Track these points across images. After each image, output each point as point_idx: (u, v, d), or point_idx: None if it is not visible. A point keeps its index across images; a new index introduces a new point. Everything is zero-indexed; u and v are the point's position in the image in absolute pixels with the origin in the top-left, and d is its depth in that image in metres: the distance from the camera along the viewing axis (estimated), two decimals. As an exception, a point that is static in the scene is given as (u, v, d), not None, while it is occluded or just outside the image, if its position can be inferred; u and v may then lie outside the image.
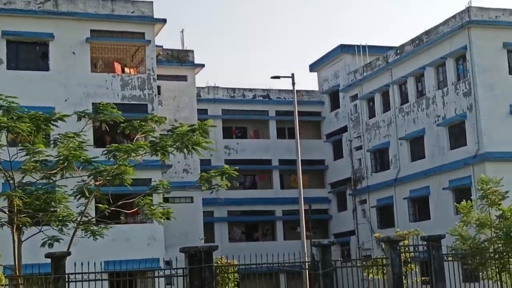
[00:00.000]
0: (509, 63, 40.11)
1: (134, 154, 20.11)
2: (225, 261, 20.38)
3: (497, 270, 22.63)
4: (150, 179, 36.33)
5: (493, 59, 39.75)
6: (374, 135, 48.65)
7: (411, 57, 44.52)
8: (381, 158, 48.30)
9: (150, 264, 32.88)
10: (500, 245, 22.37)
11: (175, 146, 21.99)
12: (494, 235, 22.57)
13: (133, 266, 26.76)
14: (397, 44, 46.74)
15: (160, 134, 22.62)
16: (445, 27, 41.70)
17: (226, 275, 19.36)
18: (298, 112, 55.03)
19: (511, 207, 23.09)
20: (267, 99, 54.04)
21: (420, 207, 44.30)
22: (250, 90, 53.96)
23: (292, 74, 31.05)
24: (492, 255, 21.83)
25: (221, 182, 20.83)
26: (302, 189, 33.52)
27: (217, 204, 51.05)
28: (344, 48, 52.09)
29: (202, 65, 44.57)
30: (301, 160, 54.20)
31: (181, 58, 44.13)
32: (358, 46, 51.15)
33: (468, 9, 40.04)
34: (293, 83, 31.00)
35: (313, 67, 56.12)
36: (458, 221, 39.36)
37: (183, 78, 44.10)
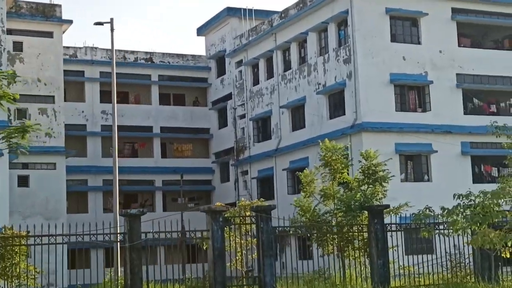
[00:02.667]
0: (391, 30, 38.33)
1: None
2: (14, 231, 17.61)
3: (340, 244, 20.69)
4: (-4, 141, 33.20)
5: (375, 25, 37.87)
6: (257, 103, 46.40)
7: (295, 22, 42.33)
8: (263, 127, 46.14)
9: (-12, 234, 29.79)
10: (341, 217, 20.36)
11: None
12: (336, 207, 20.54)
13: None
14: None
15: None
16: (328, -10, 39.59)
17: (12, 247, 16.60)
18: (184, 77, 52.77)
19: (357, 177, 21.10)
20: (149, 62, 51.06)
21: (299, 179, 42.28)
22: (132, 52, 50.88)
23: (111, 19, 27.87)
24: (329, 228, 19.77)
25: (21, 140, 17.97)
26: (117, 158, 30.68)
27: (91, 172, 48.15)
28: (230, 11, 49.54)
29: (70, 21, 41.21)
30: (186, 128, 52.12)
31: (47, 12, 40.72)
32: (245, 10, 48.69)
33: (350, -29, 37.96)
34: (112, 29, 27.94)
35: (200, 31, 53.42)
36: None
37: (49, 34, 40.74)
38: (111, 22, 27.67)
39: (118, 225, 22.94)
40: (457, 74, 39.32)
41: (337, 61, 38.93)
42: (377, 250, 19.58)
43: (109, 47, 50.68)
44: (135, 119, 50.19)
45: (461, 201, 18.59)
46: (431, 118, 38.25)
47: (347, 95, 38.15)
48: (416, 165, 38.11)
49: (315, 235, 20.15)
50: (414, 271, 22.09)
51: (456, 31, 39.77)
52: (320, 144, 22.90)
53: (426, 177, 38.00)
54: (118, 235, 17.93)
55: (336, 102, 39.32)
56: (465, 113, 39.40)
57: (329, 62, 39.65)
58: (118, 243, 17.80)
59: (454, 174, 37.66)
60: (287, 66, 43.71)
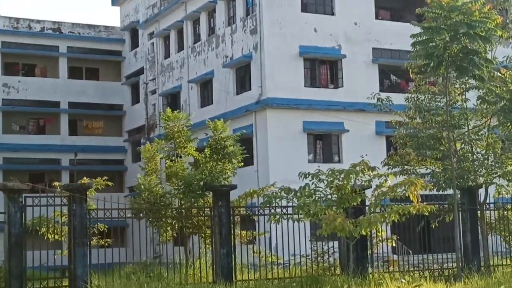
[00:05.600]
0: (302, -1, 35.50)
1: None
2: None
3: (183, 230, 17.85)
4: None
5: (284, -7, 34.95)
6: (168, 78, 43.29)
7: (204, -11, 39.25)
8: (173, 104, 42.86)
9: None
10: (182, 199, 17.49)
11: None
12: (176, 187, 17.66)
13: None
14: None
15: None
16: (236, -45, 36.54)
17: None
18: (96, 50, 49.39)
19: (209, 153, 18.25)
20: (58, 33, 47.58)
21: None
22: (38, 21, 47.34)
23: None
24: (164, 212, 16.88)
25: None
26: None
27: (-12, 149, 44.79)
28: (144, -21, 46.27)
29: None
30: (98, 104, 48.81)
31: None
32: (158, -23, 45.43)
33: None
34: None
35: (115, 0, 50.02)
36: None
37: None
38: None
39: None
40: (373, 49, 36.64)
41: (244, 31, 35.99)
42: (220, 237, 16.76)
43: (13, 15, 47.31)
44: (41, 93, 46.76)
45: (310, 180, 15.91)
46: (343, 95, 35.56)
47: (253, 68, 35.25)
48: (325, 145, 35.45)
49: (150, 219, 17.26)
50: (282, 262, 19.41)
51: (374, 3, 37.06)
52: (162, 115, 20.04)
53: (336, 158, 35.32)
54: None
55: (243, 76, 36.44)
56: (381, 90, 36.42)
57: (236, 32, 36.69)
58: None
59: (367, 156, 34.90)
60: (197, 37, 40.66)
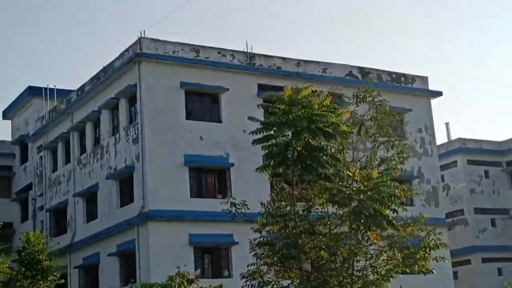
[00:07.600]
0: (187, 106, 34.01)
1: None
2: None
3: None
4: None
5: (168, 100, 33.45)
6: (55, 192, 40.96)
7: (89, 99, 37.66)
8: (60, 220, 40.51)
9: None
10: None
11: None
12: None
13: None
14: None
15: None
16: (119, 62, 35.20)
17: None
18: (-15, 165, 46.85)
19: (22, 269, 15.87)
20: None
21: (93, 278, 36.68)
22: None
23: None
24: None
25: None
26: None
27: None
28: (33, 91, 44.62)
29: None
30: (-16, 222, 45.69)
31: None
32: (46, 89, 43.77)
33: (140, 40, 33.68)
34: None
35: (6, 114, 48.17)
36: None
37: None
38: None
39: None
40: (263, 156, 35.09)
41: (127, 141, 34.24)
42: None
43: None
44: None
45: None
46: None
47: (136, 179, 33.27)
48: (214, 259, 33.30)
49: None
50: None
51: (263, 110, 35.91)
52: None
53: (226, 273, 33.07)
54: None
55: (126, 188, 34.38)
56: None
57: (120, 142, 34.92)
58: None
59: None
60: (83, 149, 38.72)
